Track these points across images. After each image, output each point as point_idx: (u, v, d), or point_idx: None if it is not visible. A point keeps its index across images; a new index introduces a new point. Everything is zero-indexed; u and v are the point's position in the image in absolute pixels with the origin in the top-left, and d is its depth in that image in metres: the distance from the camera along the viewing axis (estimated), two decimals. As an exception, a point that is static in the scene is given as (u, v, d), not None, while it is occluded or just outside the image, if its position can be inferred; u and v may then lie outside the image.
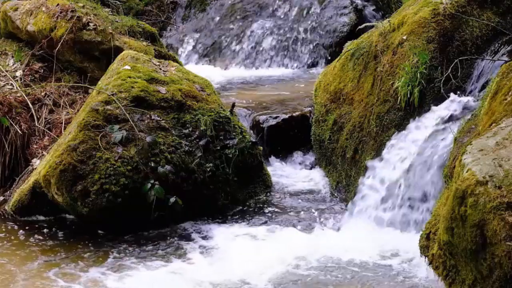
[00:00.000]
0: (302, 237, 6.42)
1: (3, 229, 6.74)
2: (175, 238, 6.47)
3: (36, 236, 6.59)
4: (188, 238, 6.48)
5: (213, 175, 6.95)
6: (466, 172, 4.75)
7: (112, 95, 6.89)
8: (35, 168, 7.12)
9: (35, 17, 8.18)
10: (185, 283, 5.69)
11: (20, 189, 6.98)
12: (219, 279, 5.71)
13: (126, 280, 5.77)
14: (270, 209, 7.03)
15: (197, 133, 6.98)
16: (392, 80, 6.93)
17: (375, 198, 6.53)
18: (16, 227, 6.78)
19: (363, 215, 6.56)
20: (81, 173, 6.50)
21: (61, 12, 8.04)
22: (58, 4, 8.14)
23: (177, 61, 8.31)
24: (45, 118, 7.62)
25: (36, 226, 6.77)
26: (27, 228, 6.74)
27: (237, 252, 6.16)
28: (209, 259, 6.08)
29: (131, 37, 8.25)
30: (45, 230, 6.69)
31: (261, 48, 10.93)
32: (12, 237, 6.57)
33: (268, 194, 7.28)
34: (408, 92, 6.73)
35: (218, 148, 7.05)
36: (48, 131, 7.50)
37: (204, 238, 6.48)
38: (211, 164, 6.95)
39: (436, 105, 6.61)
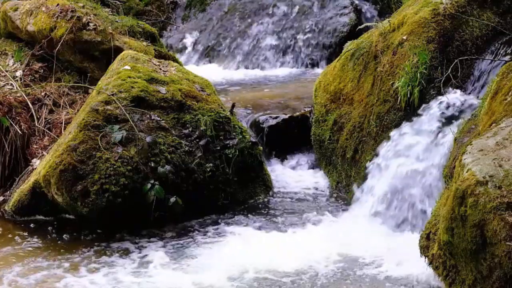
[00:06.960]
0: (301, 237, 6.42)
1: (3, 229, 6.73)
2: (175, 238, 6.47)
3: (35, 236, 6.58)
4: (187, 238, 6.49)
5: (213, 175, 6.95)
6: (466, 172, 4.75)
7: (112, 95, 6.89)
8: (35, 168, 7.12)
9: (35, 17, 8.18)
10: (183, 281, 5.72)
11: (20, 189, 6.98)
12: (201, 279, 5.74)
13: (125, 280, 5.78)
14: (269, 209, 7.03)
15: (197, 133, 6.98)
16: (392, 80, 6.93)
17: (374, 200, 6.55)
18: (15, 227, 6.78)
19: (363, 214, 6.58)
20: (81, 173, 6.50)
21: (61, 12, 8.04)
22: (58, 4, 8.14)
23: (177, 61, 8.31)
24: (45, 118, 7.61)
25: (36, 226, 6.77)
26: (26, 228, 6.74)
27: (235, 252, 6.17)
28: (204, 259, 6.07)
29: (131, 37, 8.25)
30: (44, 230, 6.68)
31: (261, 48, 10.93)
32: (12, 237, 6.57)
33: (268, 194, 7.28)
34: (408, 92, 6.73)
35: (218, 148, 7.05)
36: (48, 131, 7.50)
37: (203, 238, 6.48)
38: (211, 164, 6.95)
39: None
